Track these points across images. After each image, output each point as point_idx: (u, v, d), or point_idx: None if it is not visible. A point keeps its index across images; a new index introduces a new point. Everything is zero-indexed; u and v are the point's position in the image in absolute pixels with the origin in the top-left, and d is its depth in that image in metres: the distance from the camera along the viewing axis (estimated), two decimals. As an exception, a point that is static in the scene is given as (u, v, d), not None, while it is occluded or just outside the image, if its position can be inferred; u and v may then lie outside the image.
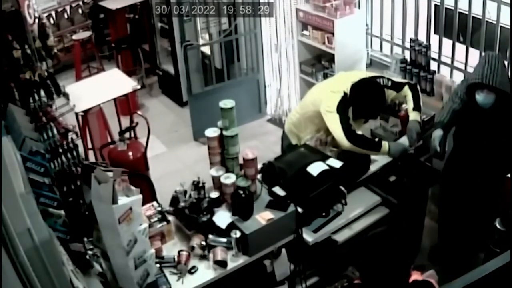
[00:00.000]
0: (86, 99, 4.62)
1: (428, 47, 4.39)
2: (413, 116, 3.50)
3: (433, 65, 4.47)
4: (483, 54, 3.91)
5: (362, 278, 2.84)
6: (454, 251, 3.66)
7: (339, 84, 3.45)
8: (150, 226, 2.82)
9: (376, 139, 3.48)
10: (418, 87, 3.68)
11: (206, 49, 5.69)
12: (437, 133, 3.42)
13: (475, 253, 3.62)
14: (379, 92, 3.41)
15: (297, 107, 3.84)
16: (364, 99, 3.36)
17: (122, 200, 2.34)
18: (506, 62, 3.54)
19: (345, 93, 3.36)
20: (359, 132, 3.38)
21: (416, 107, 3.52)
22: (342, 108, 3.32)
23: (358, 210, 3.28)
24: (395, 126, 3.69)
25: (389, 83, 3.53)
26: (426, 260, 3.94)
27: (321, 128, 3.48)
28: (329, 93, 3.41)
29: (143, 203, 2.69)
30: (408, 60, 4.55)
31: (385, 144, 3.35)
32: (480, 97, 3.20)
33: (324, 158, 3.21)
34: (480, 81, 3.12)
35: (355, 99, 3.35)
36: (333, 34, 4.80)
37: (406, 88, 3.56)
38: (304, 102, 3.71)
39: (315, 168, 3.07)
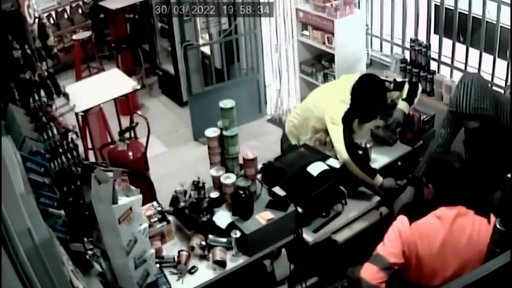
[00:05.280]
0: (86, 99, 4.63)
1: (428, 47, 4.39)
2: (401, 105, 3.50)
3: (433, 65, 4.47)
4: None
5: None
6: None
7: (345, 91, 3.35)
8: (150, 226, 2.82)
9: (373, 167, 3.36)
10: (420, 85, 3.68)
11: (206, 49, 5.69)
12: (405, 197, 3.24)
13: None
14: (380, 87, 3.34)
15: (297, 110, 3.78)
16: (365, 94, 3.29)
17: (122, 200, 2.33)
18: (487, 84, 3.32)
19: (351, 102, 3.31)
20: (360, 152, 3.33)
21: (408, 99, 3.51)
22: (347, 120, 3.27)
23: (358, 210, 3.28)
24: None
25: (391, 86, 3.52)
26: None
27: (321, 130, 3.47)
28: (336, 103, 3.34)
29: (143, 203, 2.69)
30: (408, 60, 4.56)
31: (379, 176, 3.26)
32: (465, 121, 3.10)
33: (324, 158, 3.20)
34: (454, 109, 3.03)
35: (356, 95, 3.30)
36: (333, 34, 4.80)
37: (406, 84, 3.58)
38: (307, 105, 3.63)
39: (315, 168, 3.07)
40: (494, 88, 3.92)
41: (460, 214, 2.33)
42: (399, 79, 3.65)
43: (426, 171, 2.60)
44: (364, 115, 3.41)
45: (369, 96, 3.30)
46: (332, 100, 3.39)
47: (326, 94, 3.58)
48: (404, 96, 3.52)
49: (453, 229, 2.31)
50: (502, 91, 3.94)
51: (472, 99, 2.96)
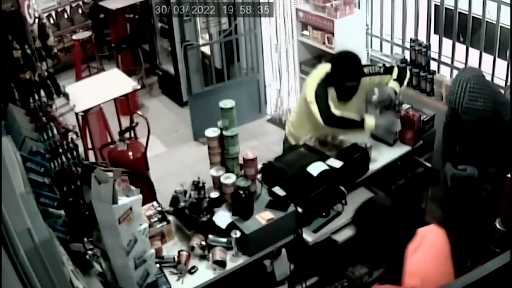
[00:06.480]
0: (86, 99, 4.63)
1: (428, 47, 4.39)
2: (392, 84, 3.54)
3: (433, 65, 4.47)
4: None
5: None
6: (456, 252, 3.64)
7: (321, 73, 3.47)
8: (150, 226, 2.82)
9: (360, 119, 3.40)
10: (408, 70, 3.77)
11: (206, 49, 5.69)
12: (447, 169, 3.46)
13: (476, 255, 3.62)
14: (356, 60, 3.42)
15: (294, 107, 3.84)
16: (341, 66, 3.40)
17: (122, 200, 2.33)
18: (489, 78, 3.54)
19: (325, 75, 3.41)
20: (338, 113, 3.35)
21: (398, 80, 3.56)
22: (320, 93, 3.37)
23: (358, 210, 3.27)
24: (395, 126, 3.69)
25: (381, 70, 3.58)
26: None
27: (317, 125, 3.48)
28: (312, 84, 3.44)
29: (143, 203, 2.69)
30: (408, 60, 4.55)
31: (369, 120, 3.33)
32: (461, 114, 3.15)
33: (324, 158, 3.20)
34: (448, 104, 3.10)
35: (334, 67, 3.41)
36: (333, 34, 4.80)
37: (395, 68, 3.64)
38: (299, 101, 3.73)
39: (315, 168, 3.06)
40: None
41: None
42: (387, 65, 3.71)
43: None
44: (341, 89, 3.45)
45: (345, 68, 3.40)
46: (310, 83, 3.47)
47: (308, 82, 3.63)
48: (395, 77, 3.58)
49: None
50: (502, 91, 3.94)
51: (466, 98, 3.00)
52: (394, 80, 3.56)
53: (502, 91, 3.93)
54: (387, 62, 4.85)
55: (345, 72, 3.40)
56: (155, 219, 2.94)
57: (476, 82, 3.00)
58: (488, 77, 4.03)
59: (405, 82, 3.61)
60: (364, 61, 5.04)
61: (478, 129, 3.21)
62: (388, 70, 3.61)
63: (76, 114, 4.55)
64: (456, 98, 3.04)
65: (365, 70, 3.53)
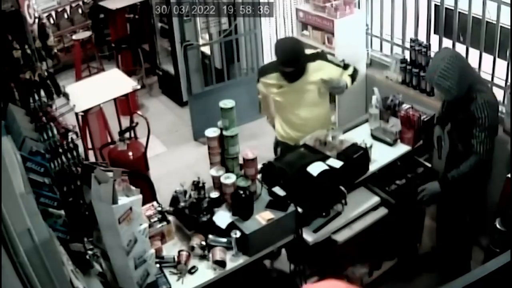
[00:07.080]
0: (86, 99, 4.63)
1: (428, 47, 4.39)
2: (346, 78, 3.69)
3: (433, 65, 4.47)
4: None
5: None
6: (452, 251, 3.65)
7: None
8: (150, 226, 2.82)
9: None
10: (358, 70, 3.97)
11: (206, 49, 5.70)
12: (435, 131, 3.54)
13: (470, 253, 3.64)
14: (291, 50, 3.54)
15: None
16: (277, 55, 3.59)
17: (122, 200, 2.33)
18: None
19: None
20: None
21: (351, 76, 3.73)
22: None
23: (358, 210, 3.28)
24: (395, 126, 3.70)
25: (342, 64, 3.75)
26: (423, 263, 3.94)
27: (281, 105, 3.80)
28: None
29: (143, 203, 2.69)
30: (408, 60, 4.55)
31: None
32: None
33: (324, 158, 3.20)
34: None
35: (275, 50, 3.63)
36: (333, 34, 4.79)
37: (352, 66, 3.78)
38: None
39: (315, 168, 3.06)
40: (494, 88, 3.93)
41: None
42: (346, 62, 3.85)
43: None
44: (283, 71, 3.58)
45: (280, 55, 3.56)
46: None
47: None
48: (350, 73, 3.74)
49: None
50: (502, 91, 3.94)
51: (437, 74, 3.08)
52: (349, 75, 3.73)
53: (503, 91, 3.93)
54: (387, 62, 4.86)
55: (280, 59, 3.56)
56: (155, 219, 2.94)
57: (450, 63, 3.07)
58: (488, 77, 4.05)
59: (354, 83, 3.81)
60: (364, 61, 5.05)
61: (450, 112, 3.33)
62: (346, 66, 3.78)
63: (76, 114, 4.55)
64: (430, 71, 3.18)
65: (329, 57, 3.76)
